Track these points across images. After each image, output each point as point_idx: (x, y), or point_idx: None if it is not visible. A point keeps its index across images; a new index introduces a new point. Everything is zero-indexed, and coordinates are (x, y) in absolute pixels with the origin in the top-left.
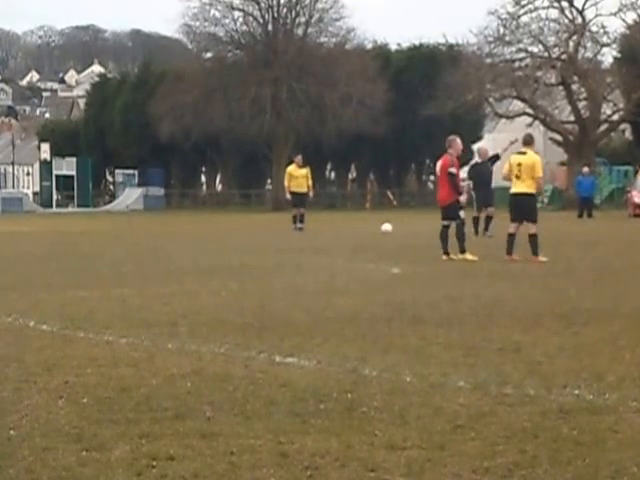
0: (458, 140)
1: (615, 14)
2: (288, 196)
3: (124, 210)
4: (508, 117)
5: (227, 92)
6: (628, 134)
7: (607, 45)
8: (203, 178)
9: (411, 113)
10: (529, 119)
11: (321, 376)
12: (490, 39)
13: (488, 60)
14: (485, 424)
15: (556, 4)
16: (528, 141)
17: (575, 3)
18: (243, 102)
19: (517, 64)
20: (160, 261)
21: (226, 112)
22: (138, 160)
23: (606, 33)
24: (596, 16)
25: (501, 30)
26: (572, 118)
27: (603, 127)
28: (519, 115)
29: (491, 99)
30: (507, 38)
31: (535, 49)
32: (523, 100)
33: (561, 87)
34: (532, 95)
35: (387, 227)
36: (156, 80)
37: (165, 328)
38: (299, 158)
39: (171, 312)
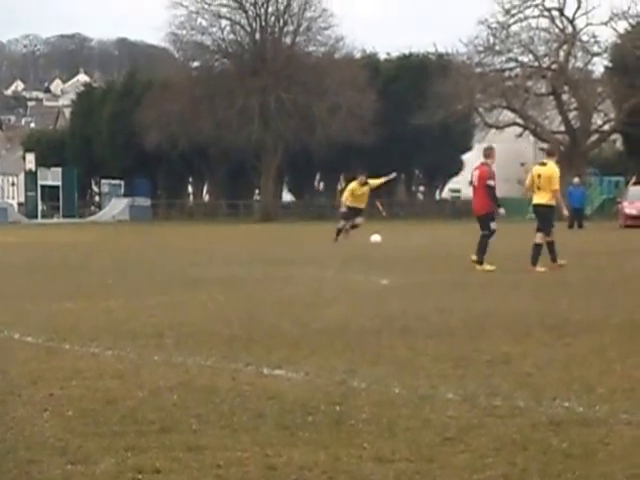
0: (495, 150)
1: (606, 23)
2: (343, 209)
3: (110, 221)
4: (498, 127)
5: (214, 101)
6: (619, 144)
7: (598, 54)
8: (190, 188)
9: (400, 123)
10: (519, 129)
11: (309, 388)
12: (480, 48)
13: (478, 70)
14: (474, 436)
15: (546, 13)
16: (550, 152)
17: (566, 12)
18: (231, 111)
19: (507, 74)
20: (146, 272)
21: (213, 121)
22: (124, 170)
23: (597, 42)
24: (587, 25)
25: (491, 39)
26: (563, 128)
27: (594, 137)
28: (509, 125)
29: (481, 109)
30: (497, 47)
31: (525, 59)
32: (513, 110)
33: (551, 97)
34: (522, 105)
35: (376, 238)
36: (142, 89)
37: (151, 340)
38: (362, 177)
39: (157, 324)
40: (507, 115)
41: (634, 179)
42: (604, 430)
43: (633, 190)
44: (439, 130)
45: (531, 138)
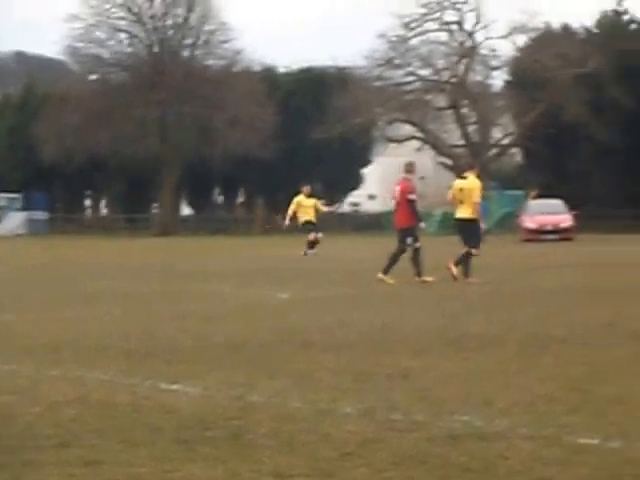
0: (415, 165)
1: (505, 37)
2: (287, 222)
3: (7, 235)
4: (397, 141)
5: (113, 115)
6: (519, 158)
7: (497, 68)
8: (88, 202)
9: (300, 137)
10: (419, 143)
11: (207, 403)
12: (379, 62)
13: (377, 83)
14: (373, 450)
15: (445, 27)
16: (470, 166)
17: (465, 26)
18: (129, 125)
19: (406, 87)
20: (44, 286)
21: (112, 135)
22: (22, 184)
23: (496, 56)
24: (486, 39)
25: (390, 53)
26: (462, 142)
27: (494, 151)
28: (409, 139)
29: (380, 123)
30: (396, 61)
31: (425, 72)
32: (413, 124)
33: (451, 111)
34: (422, 119)
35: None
36: (40, 102)
37: (49, 355)
38: (307, 188)
39: (55, 338)
40: (407, 129)
41: (534, 193)
42: (503, 444)
43: (533, 204)
44: (339, 144)
45: (431, 152)
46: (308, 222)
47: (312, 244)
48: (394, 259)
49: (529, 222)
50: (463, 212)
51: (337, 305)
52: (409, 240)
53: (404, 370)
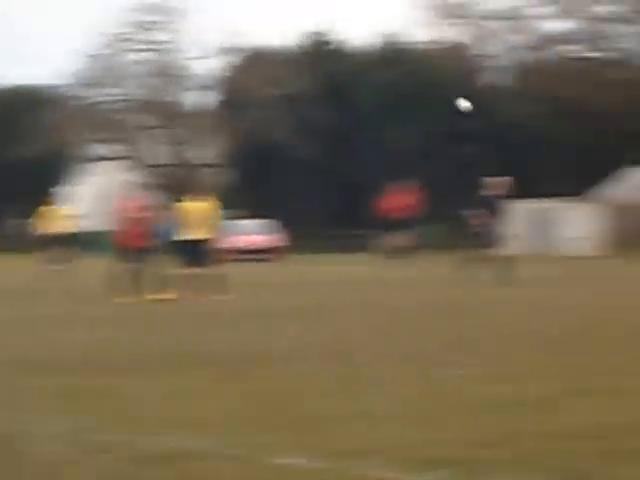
0: (136, 184)
1: (210, 57)
2: (38, 233)
3: None
4: (100, 160)
5: None
6: (227, 178)
7: (205, 88)
8: None
9: None
10: (124, 162)
11: None
12: (82, 80)
13: (79, 102)
14: (73, 472)
15: (151, 46)
16: (200, 189)
17: (170, 45)
18: None
19: (109, 107)
20: None
21: None
22: None
23: (203, 76)
24: (192, 59)
25: (92, 72)
26: (168, 162)
27: (201, 170)
28: (113, 158)
29: (83, 142)
30: (99, 80)
31: (128, 91)
32: (116, 143)
33: (157, 130)
34: (125, 138)
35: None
36: None
37: None
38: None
39: None
40: (110, 148)
41: (237, 213)
42: (205, 464)
43: (238, 224)
44: (39, 164)
45: (136, 171)
46: (59, 235)
47: (54, 258)
48: (139, 279)
49: (233, 242)
50: (198, 233)
51: (40, 325)
52: (147, 256)
53: (109, 389)
